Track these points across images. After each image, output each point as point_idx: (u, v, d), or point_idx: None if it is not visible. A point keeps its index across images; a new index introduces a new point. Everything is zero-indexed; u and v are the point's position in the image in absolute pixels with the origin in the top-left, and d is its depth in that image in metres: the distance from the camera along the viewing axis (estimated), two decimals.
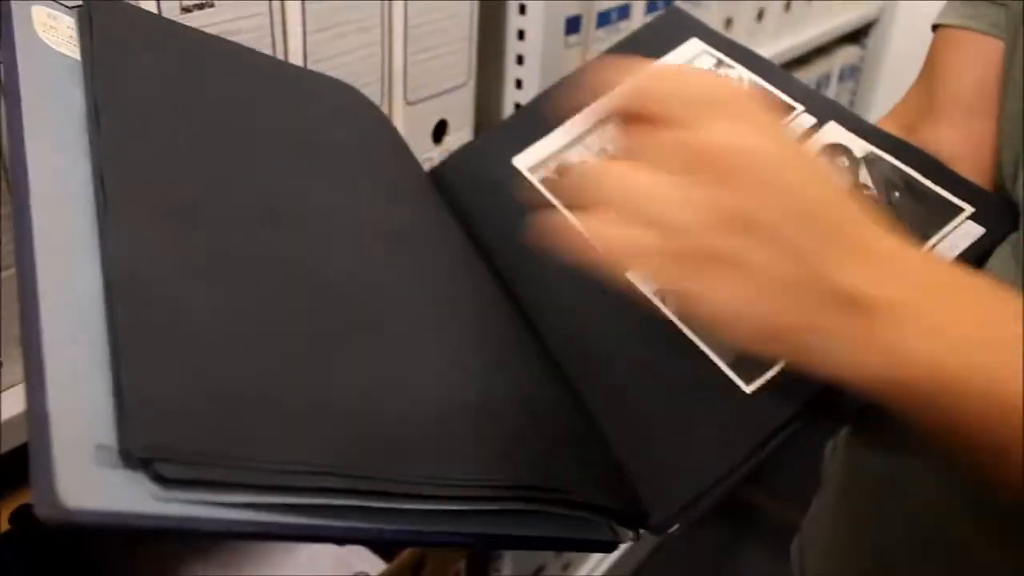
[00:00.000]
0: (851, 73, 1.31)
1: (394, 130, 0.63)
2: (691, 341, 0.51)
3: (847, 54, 1.23)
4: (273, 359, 0.34)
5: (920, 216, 0.51)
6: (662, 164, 0.33)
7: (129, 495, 0.27)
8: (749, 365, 0.49)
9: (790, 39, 1.15)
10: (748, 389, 0.48)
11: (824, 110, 0.58)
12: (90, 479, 0.26)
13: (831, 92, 1.27)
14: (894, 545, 0.52)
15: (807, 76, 1.19)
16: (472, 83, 0.75)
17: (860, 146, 0.55)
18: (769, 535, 1.55)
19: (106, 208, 0.35)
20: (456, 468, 0.37)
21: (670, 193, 0.33)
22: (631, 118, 0.36)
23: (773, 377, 0.48)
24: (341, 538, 0.32)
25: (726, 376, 0.49)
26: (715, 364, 0.50)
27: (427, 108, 0.72)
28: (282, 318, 0.37)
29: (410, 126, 0.67)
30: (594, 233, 0.35)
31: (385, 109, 0.69)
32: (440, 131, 0.74)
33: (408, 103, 0.70)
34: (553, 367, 0.51)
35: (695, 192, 0.32)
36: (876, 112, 1.38)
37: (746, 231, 0.32)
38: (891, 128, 0.57)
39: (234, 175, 0.44)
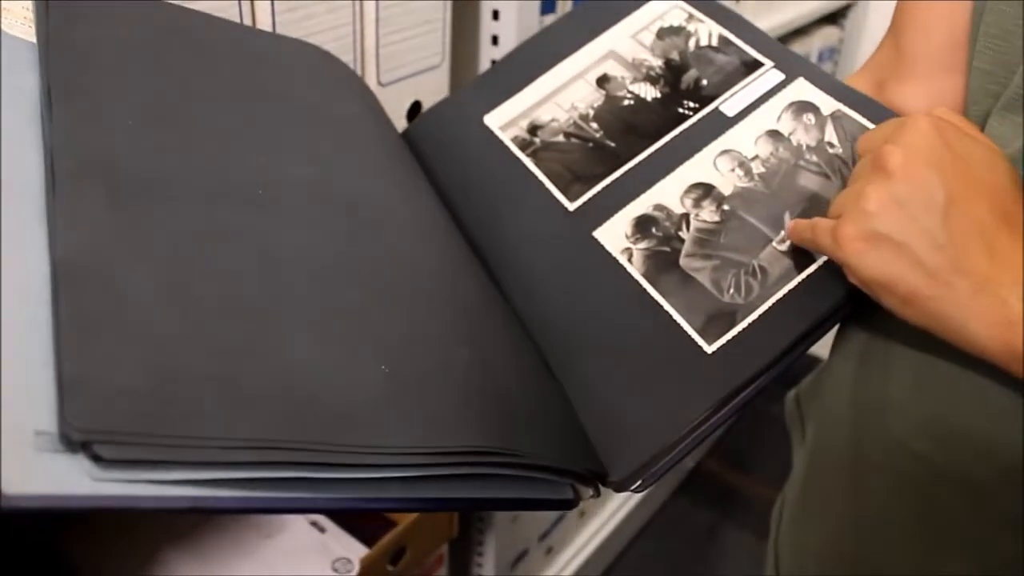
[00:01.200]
0: (830, 54, 1.28)
1: (367, 91, 0.63)
2: (656, 302, 0.51)
3: (826, 35, 1.21)
4: (217, 336, 0.35)
5: None
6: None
7: (68, 477, 0.28)
8: (714, 326, 0.49)
9: (768, 19, 1.14)
10: (709, 349, 0.49)
11: (793, 66, 0.57)
12: (30, 465, 0.27)
13: None
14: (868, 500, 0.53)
15: None
16: (446, 64, 0.75)
17: (827, 103, 0.55)
18: (754, 518, 1.57)
19: (54, 192, 0.36)
20: (403, 434, 0.38)
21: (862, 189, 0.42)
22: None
23: (735, 337, 0.49)
24: (285, 509, 0.33)
25: (689, 337, 0.49)
26: (679, 325, 0.50)
27: (400, 89, 0.71)
28: (229, 295, 0.37)
29: (383, 107, 0.67)
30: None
31: None
32: (414, 113, 0.73)
33: (381, 84, 0.70)
34: (517, 328, 0.52)
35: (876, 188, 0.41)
36: None
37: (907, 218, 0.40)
38: (861, 84, 0.56)
39: (193, 151, 0.44)
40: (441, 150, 0.64)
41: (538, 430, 0.44)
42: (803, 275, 0.49)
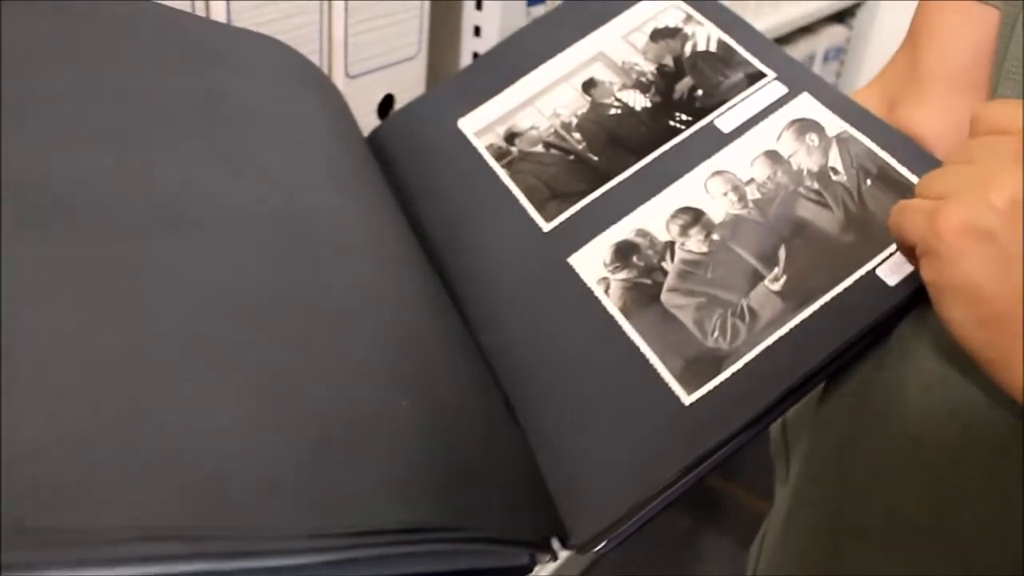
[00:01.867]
0: (836, 54, 1.22)
1: (330, 89, 0.57)
2: (632, 342, 0.46)
3: (833, 34, 1.15)
4: (108, 395, 0.30)
5: (889, 209, 0.46)
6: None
7: None
8: (694, 374, 0.44)
9: (774, 17, 1.07)
10: (688, 400, 0.44)
11: (798, 80, 0.52)
12: None
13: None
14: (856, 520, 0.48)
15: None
16: (423, 56, 0.69)
17: (833, 123, 0.49)
18: (733, 522, 1.52)
19: None
20: (327, 513, 0.33)
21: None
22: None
23: (717, 388, 0.44)
24: None
25: (665, 384, 0.45)
26: (655, 370, 0.45)
27: (371, 82, 0.66)
28: (134, 344, 0.33)
29: (352, 102, 0.61)
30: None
31: None
32: (386, 107, 0.68)
33: (349, 76, 0.64)
34: (476, 367, 0.47)
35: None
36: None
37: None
38: (870, 100, 0.51)
39: (111, 165, 0.39)
40: (410, 155, 0.59)
41: (490, 494, 0.40)
42: (796, 319, 0.44)
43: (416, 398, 0.40)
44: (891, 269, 0.44)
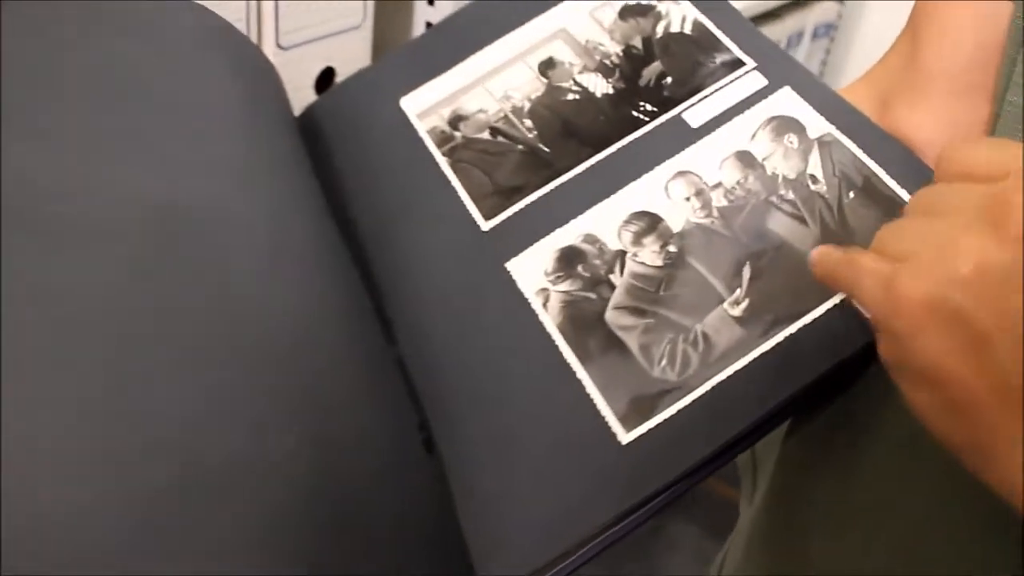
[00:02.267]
0: (826, 30, 1.14)
1: (257, 61, 0.51)
2: (568, 367, 0.40)
3: (824, 9, 1.07)
4: None
5: (873, 227, 0.39)
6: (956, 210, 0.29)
7: None
8: (635, 409, 0.38)
9: None
10: (625, 438, 0.38)
11: (781, 71, 0.45)
12: None
13: (802, 51, 1.11)
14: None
15: (776, 32, 1.04)
16: (368, 24, 0.61)
17: (816, 123, 0.43)
18: (702, 512, 1.47)
19: None
20: (175, 570, 0.27)
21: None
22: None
23: (660, 426, 0.38)
24: None
25: (602, 419, 0.39)
26: (591, 401, 0.39)
27: (307, 55, 0.59)
28: None
29: (285, 77, 0.55)
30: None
31: None
32: (325, 82, 0.60)
33: (281, 48, 0.57)
34: (388, 387, 0.41)
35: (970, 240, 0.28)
36: (849, 77, 1.21)
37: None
38: (861, 98, 0.44)
39: None
40: (344, 138, 0.52)
41: (380, 543, 0.34)
42: (757, 351, 0.38)
43: (300, 431, 0.34)
44: None
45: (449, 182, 0.47)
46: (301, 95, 0.53)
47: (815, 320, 0.38)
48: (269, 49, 0.56)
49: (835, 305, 0.38)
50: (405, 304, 0.45)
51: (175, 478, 0.30)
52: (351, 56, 0.61)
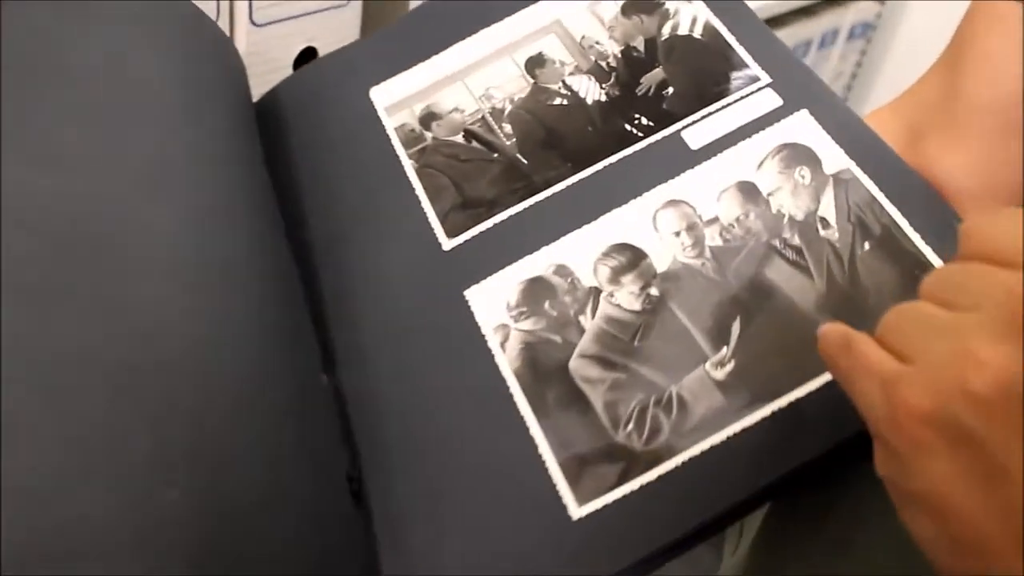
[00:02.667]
0: (863, 31, 1.05)
1: (209, 38, 0.45)
2: (522, 420, 0.35)
3: (863, 8, 0.99)
4: None
5: (889, 287, 0.34)
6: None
7: None
8: (591, 479, 0.33)
9: None
10: (576, 513, 0.33)
11: (797, 90, 0.39)
12: None
13: (836, 51, 1.03)
14: None
15: (808, 31, 0.96)
16: (357, 3, 0.55)
17: (834, 156, 0.37)
18: None
19: None
20: None
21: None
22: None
23: (617, 503, 0.33)
24: None
25: (552, 486, 0.33)
26: (543, 464, 0.34)
27: (286, 33, 0.52)
28: None
29: (259, 57, 0.48)
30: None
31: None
32: (305, 63, 0.54)
33: (255, 24, 0.51)
34: (312, 425, 0.36)
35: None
36: (883, 85, 1.12)
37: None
38: (889, 127, 0.38)
39: None
40: (306, 126, 0.47)
41: None
42: (738, 425, 0.33)
43: (188, 486, 0.29)
44: None
45: (413, 190, 0.42)
46: (279, 77, 0.47)
47: (809, 395, 0.32)
48: (242, 27, 0.50)
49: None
50: (349, 327, 0.40)
51: (20, 544, 0.25)
52: (336, 36, 0.55)
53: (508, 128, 0.42)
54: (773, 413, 0.32)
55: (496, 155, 0.42)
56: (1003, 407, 0.21)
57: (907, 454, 0.24)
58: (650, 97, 0.41)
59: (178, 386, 0.30)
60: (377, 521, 0.36)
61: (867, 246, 0.34)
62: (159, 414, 0.29)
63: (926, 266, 0.33)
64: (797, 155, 0.37)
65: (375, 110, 0.45)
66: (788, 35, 0.96)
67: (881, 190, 0.35)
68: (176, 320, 0.31)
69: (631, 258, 0.37)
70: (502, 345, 0.37)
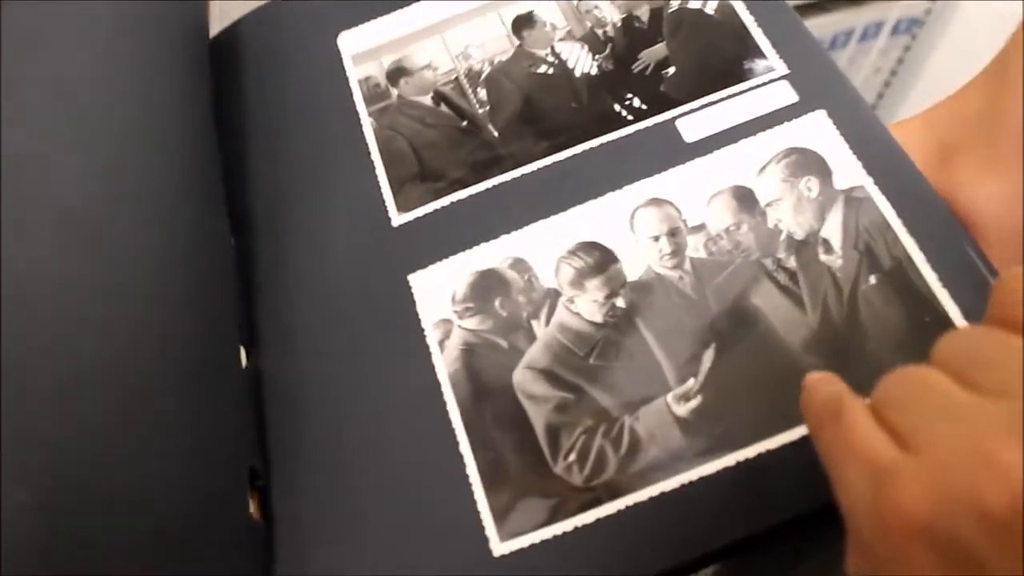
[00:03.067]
0: (908, 26, 0.98)
1: None
2: (453, 437, 0.30)
3: (912, 3, 0.91)
4: None
5: (892, 332, 0.29)
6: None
7: None
8: (519, 514, 0.29)
9: None
10: (498, 548, 0.28)
11: (817, 86, 0.34)
12: None
13: (876, 46, 0.96)
14: None
15: (852, 20, 0.89)
16: None
17: (848, 169, 0.32)
18: None
19: None
20: None
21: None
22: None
23: (541, 546, 0.28)
24: None
25: (476, 513, 0.29)
26: (469, 485, 0.29)
27: None
28: None
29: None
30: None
31: None
32: None
33: None
34: (214, 418, 0.31)
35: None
36: (923, 88, 1.05)
37: None
38: (917, 140, 0.33)
39: None
40: (263, 69, 0.42)
41: None
42: (695, 473, 0.28)
43: (38, 487, 0.25)
44: None
45: (368, 153, 0.37)
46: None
47: (783, 448, 0.27)
48: None
49: None
50: (282, 303, 0.35)
51: None
52: None
53: (483, 94, 0.37)
54: (737, 464, 0.28)
55: (465, 123, 0.36)
56: (1020, 531, 0.16)
57: (887, 562, 0.19)
58: (647, 76, 0.36)
59: (36, 369, 0.25)
60: (279, 532, 0.31)
61: (873, 280, 0.29)
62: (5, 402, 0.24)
63: (940, 316, 0.28)
64: (806, 162, 0.32)
65: (340, 57, 0.40)
66: (830, 22, 0.89)
67: (898, 215, 0.30)
68: (46, 282, 0.26)
69: (599, 260, 0.32)
70: (441, 343, 0.32)
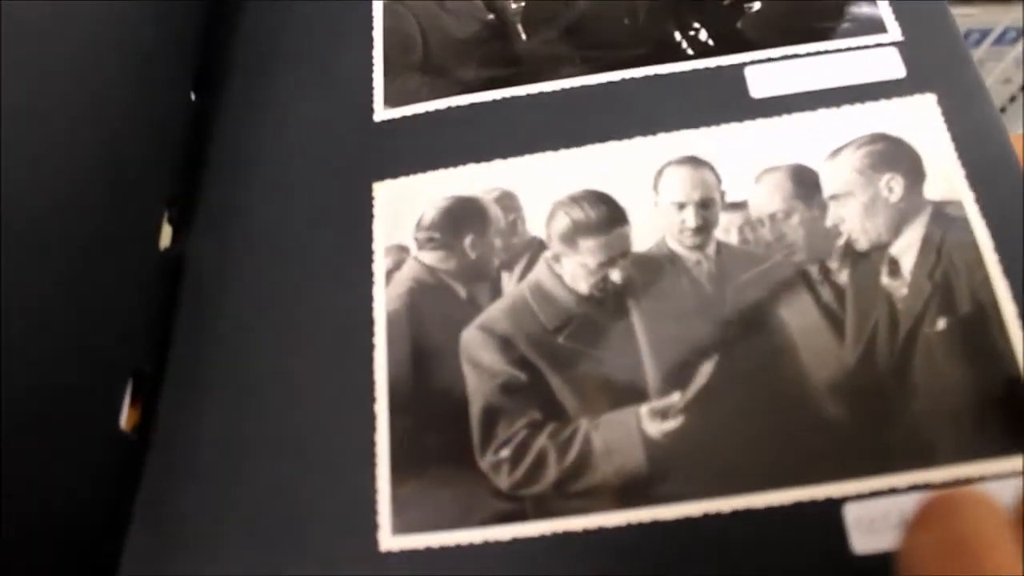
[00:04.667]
0: (1018, 36, 0.86)
1: None
2: (372, 402, 0.24)
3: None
4: None
5: (950, 393, 0.22)
6: None
7: None
8: (414, 509, 0.23)
9: None
10: (384, 544, 0.22)
11: (934, 65, 0.26)
12: None
13: (1012, 52, 0.84)
14: None
15: (992, 17, 0.78)
16: None
17: (946, 175, 0.24)
18: None
19: None
20: None
21: None
22: None
23: (442, 552, 0.22)
24: None
25: (374, 498, 0.23)
26: (374, 467, 0.23)
27: None
28: None
29: None
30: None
31: None
32: None
33: None
34: (102, 321, 0.25)
35: None
36: None
37: None
38: None
39: None
40: None
41: None
42: (649, 513, 0.22)
43: None
44: (867, 522, 0.20)
45: (371, 28, 0.30)
46: None
47: (770, 510, 0.21)
48: None
49: (813, 502, 0.21)
50: (229, 181, 0.29)
51: None
52: None
53: None
54: (704, 516, 0.21)
55: (492, 16, 0.30)
56: None
57: None
58: (725, 5, 0.28)
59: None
60: (151, 455, 0.26)
61: (942, 324, 0.22)
62: None
63: (1018, 389, 0.21)
64: (895, 155, 0.25)
65: None
66: (966, 14, 0.79)
67: (996, 249, 0.23)
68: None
69: (604, 216, 0.25)
70: (389, 274, 0.26)
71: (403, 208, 0.27)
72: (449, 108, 0.28)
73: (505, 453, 0.23)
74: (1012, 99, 0.93)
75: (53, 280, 0.23)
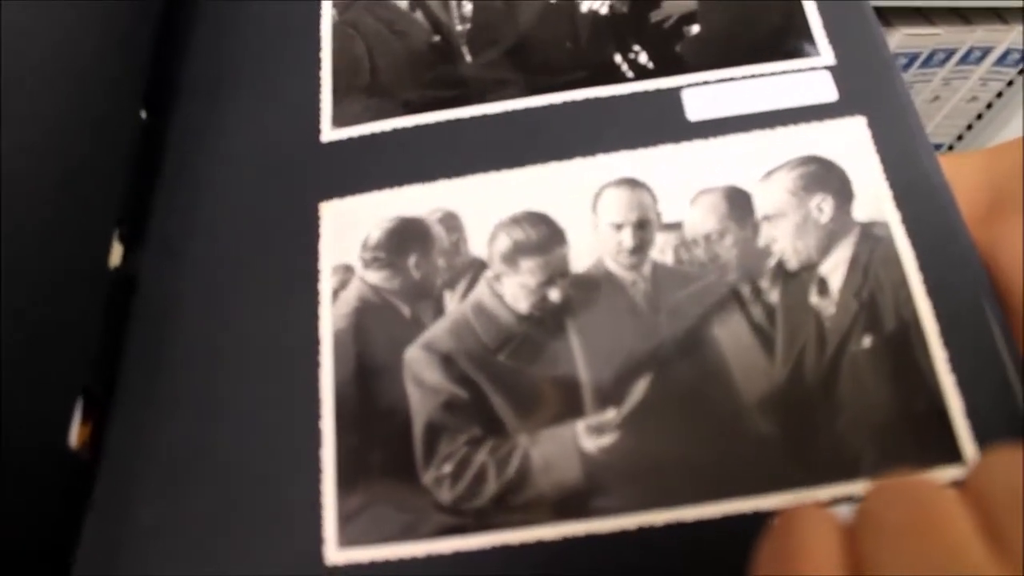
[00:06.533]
0: (1019, 61, 0.88)
1: None
2: (318, 419, 0.25)
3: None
4: None
5: (873, 411, 0.22)
6: None
7: None
8: (363, 521, 0.23)
9: None
10: (332, 555, 0.23)
11: (865, 88, 0.27)
12: None
13: (976, 72, 0.86)
14: None
15: (957, 38, 0.79)
16: None
17: (874, 197, 0.25)
18: None
19: None
20: None
21: None
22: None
23: (383, 564, 0.23)
24: None
25: (321, 513, 0.23)
26: (320, 482, 0.24)
27: None
28: None
29: None
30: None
31: None
32: None
33: None
34: (71, 318, 0.26)
35: None
36: (1019, 126, 0.95)
37: None
38: (971, 180, 0.27)
39: None
40: None
41: None
42: (584, 526, 0.22)
43: None
44: None
45: (319, 49, 0.31)
46: None
47: (698, 524, 0.22)
48: None
49: (742, 516, 0.22)
50: (182, 199, 0.29)
51: None
52: None
53: (468, 8, 0.30)
54: (640, 529, 0.22)
55: (438, 38, 0.30)
56: None
57: None
58: (664, 29, 0.29)
59: None
60: (103, 474, 0.26)
61: (867, 341, 0.23)
62: None
63: (936, 409, 0.22)
64: (825, 177, 0.26)
65: None
66: (930, 35, 0.80)
67: (920, 268, 0.24)
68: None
69: (544, 237, 0.26)
70: (336, 293, 0.26)
71: (349, 228, 0.27)
72: (395, 129, 0.28)
73: (447, 469, 0.23)
74: (979, 116, 0.95)
75: (20, 298, 0.23)
